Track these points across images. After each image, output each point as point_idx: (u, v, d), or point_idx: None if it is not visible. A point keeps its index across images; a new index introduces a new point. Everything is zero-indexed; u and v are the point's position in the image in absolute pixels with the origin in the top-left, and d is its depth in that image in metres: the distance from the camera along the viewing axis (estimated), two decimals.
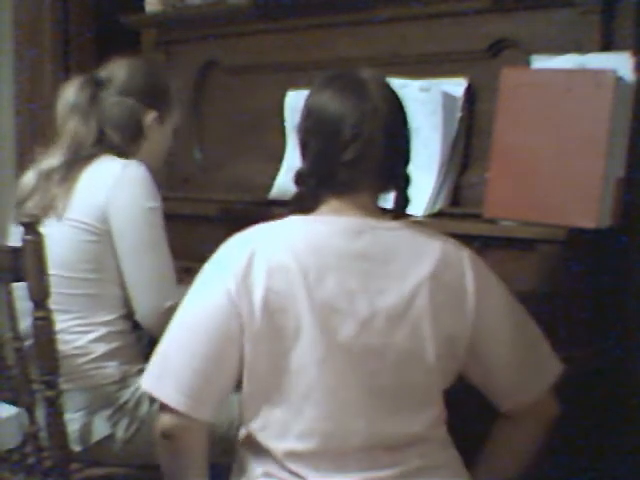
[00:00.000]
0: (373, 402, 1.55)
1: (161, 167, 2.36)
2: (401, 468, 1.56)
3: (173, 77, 2.39)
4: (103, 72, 2.22)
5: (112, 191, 2.07)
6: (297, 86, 2.46)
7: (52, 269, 1.95)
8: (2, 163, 3.41)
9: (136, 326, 2.14)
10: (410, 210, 1.69)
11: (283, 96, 2.56)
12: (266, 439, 1.58)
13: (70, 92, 2.18)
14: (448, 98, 2.26)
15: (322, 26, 2.57)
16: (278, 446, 1.57)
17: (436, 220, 2.17)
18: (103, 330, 2.10)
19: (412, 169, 1.66)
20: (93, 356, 2.08)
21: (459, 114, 2.28)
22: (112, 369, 2.08)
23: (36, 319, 1.85)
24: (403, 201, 1.67)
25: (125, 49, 2.30)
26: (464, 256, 1.61)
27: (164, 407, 1.58)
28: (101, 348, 2.09)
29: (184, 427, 1.58)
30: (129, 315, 2.12)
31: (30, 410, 1.91)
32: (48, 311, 1.86)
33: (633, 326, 2.06)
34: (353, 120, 1.57)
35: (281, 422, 1.57)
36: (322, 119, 1.61)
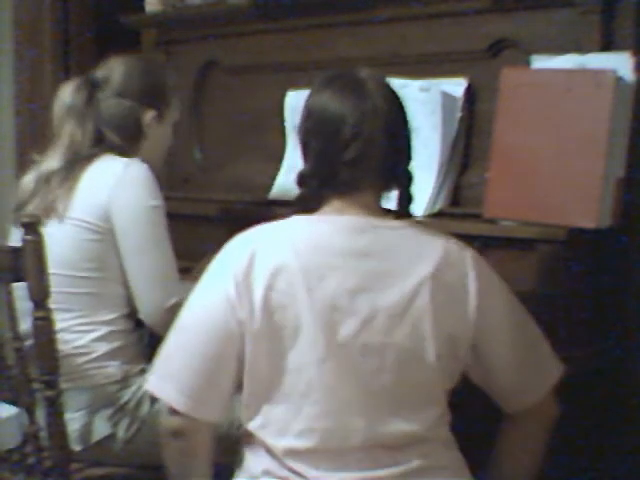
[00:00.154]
0: (373, 401, 1.56)
1: (163, 164, 2.35)
2: (402, 467, 1.56)
3: (171, 71, 2.38)
4: (100, 72, 2.22)
5: (114, 190, 2.07)
6: (297, 86, 2.46)
7: (54, 268, 1.96)
8: (2, 163, 3.41)
9: (137, 325, 2.15)
10: (412, 209, 1.70)
11: (283, 96, 2.56)
12: (266, 437, 1.59)
13: (66, 94, 2.18)
14: (448, 98, 2.26)
15: (322, 26, 2.57)
16: (278, 444, 1.58)
17: (436, 220, 2.17)
18: (105, 329, 2.10)
19: (412, 168, 1.67)
20: (95, 355, 2.08)
21: (459, 114, 2.28)
22: (113, 368, 2.08)
23: (36, 319, 1.85)
24: (406, 199, 1.67)
25: (125, 49, 2.29)
26: (467, 256, 1.61)
27: (169, 408, 1.60)
28: (103, 347, 2.09)
29: (189, 427, 1.59)
30: (131, 314, 2.13)
31: (30, 410, 1.91)
32: (48, 311, 1.86)
33: (633, 326, 2.06)
34: (353, 120, 1.58)
35: (281, 420, 1.57)
36: (322, 119, 1.61)
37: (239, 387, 1.60)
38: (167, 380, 1.59)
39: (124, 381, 2.09)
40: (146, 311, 2.08)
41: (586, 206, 1.91)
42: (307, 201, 1.65)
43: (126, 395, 2.08)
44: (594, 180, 1.91)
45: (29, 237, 1.83)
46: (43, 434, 1.91)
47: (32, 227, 1.84)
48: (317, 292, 1.54)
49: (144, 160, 2.15)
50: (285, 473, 1.58)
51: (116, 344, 2.10)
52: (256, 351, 1.56)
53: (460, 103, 2.28)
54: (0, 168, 3.40)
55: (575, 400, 1.83)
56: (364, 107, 1.58)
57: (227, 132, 2.81)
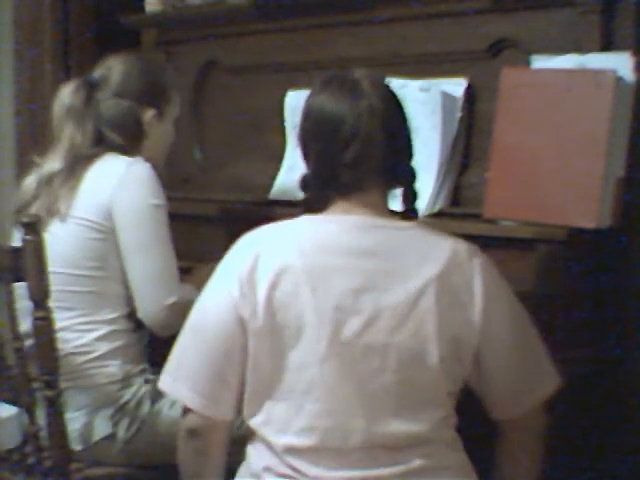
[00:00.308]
0: (374, 401, 1.56)
1: (165, 161, 2.35)
2: (402, 467, 1.56)
3: (169, 68, 2.38)
4: (98, 72, 2.22)
5: (117, 189, 2.07)
6: (297, 86, 2.46)
7: (57, 267, 1.96)
8: (2, 163, 3.41)
9: (138, 326, 2.15)
10: (417, 205, 1.70)
11: (283, 96, 2.56)
12: (268, 434, 1.59)
13: (65, 95, 2.18)
14: (448, 98, 2.26)
15: (322, 26, 2.57)
16: (279, 441, 1.58)
17: (436, 220, 2.16)
18: (106, 328, 2.10)
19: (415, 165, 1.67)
20: (96, 354, 2.08)
21: (459, 114, 2.28)
22: (114, 368, 2.09)
23: (36, 319, 1.85)
24: (411, 196, 1.68)
25: (125, 49, 2.29)
26: (475, 259, 1.60)
27: (185, 407, 1.63)
28: (104, 347, 2.09)
29: (206, 426, 1.62)
30: (132, 314, 2.13)
31: (30, 410, 1.92)
32: (48, 311, 1.86)
33: (633, 326, 2.06)
34: (351, 120, 1.58)
35: (282, 418, 1.58)
36: (320, 120, 1.62)
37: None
38: (181, 380, 1.62)
39: (125, 381, 2.09)
40: (145, 310, 2.08)
41: (586, 206, 1.91)
42: (312, 204, 1.66)
43: (126, 395, 2.08)
44: (594, 180, 1.91)
45: (29, 237, 1.83)
46: (43, 434, 1.91)
47: (32, 227, 1.84)
48: (321, 292, 1.55)
49: (146, 159, 2.16)
50: (286, 470, 1.58)
51: (117, 344, 2.10)
52: (259, 349, 1.57)
53: (460, 103, 2.28)
54: (0, 168, 3.40)
55: (575, 400, 1.83)
56: (360, 107, 1.59)
57: (227, 132, 2.81)
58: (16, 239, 2.10)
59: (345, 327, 1.54)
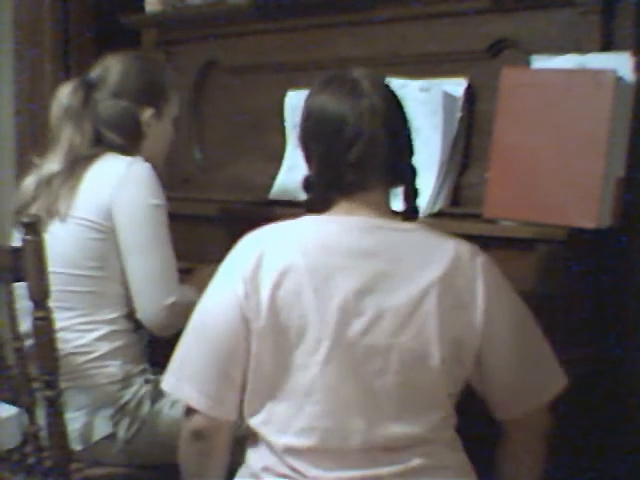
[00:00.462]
0: (374, 402, 1.55)
1: (165, 161, 2.35)
2: (401, 466, 1.56)
3: (167, 67, 2.37)
4: (96, 72, 2.21)
5: (117, 189, 2.07)
6: (297, 86, 2.46)
7: (57, 267, 1.96)
8: (2, 163, 3.41)
9: (138, 326, 2.15)
10: (418, 203, 1.70)
11: (283, 96, 2.56)
12: (268, 434, 1.59)
13: (63, 96, 2.18)
14: (448, 98, 2.26)
15: (322, 26, 2.57)
16: (279, 441, 1.58)
17: (436, 220, 2.17)
18: (106, 329, 2.10)
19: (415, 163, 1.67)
20: (96, 355, 2.08)
21: (459, 114, 2.28)
22: (115, 368, 2.09)
23: (36, 319, 1.85)
24: (412, 194, 1.68)
25: (125, 49, 2.29)
26: (478, 261, 1.59)
27: (189, 408, 1.62)
28: (104, 347, 2.09)
29: (210, 427, 1.61)
30: (132, 314, 2.13)
31: (30, 410, 1.92)
32: (48, 311, 1.86)
33: (633, 326, 2.06)
34: (353, 120, 1.58)
35: (283, 418, 1.58)
36: (322, 121, 1.62)
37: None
38: (185, 381, 1.61)
39: (125, 381, 2.09)
40: (144, 310, 2.08)
41: (586, 206, 1.91)
42: (315, 205, 1.65)
43: (127, 395, 2.08)
44: (594, 180, 1.91)
45: (29, 237, 1.83)
46: (43, 434, 1.91)
47: (32, 227, 1.84)
48: (324, 292, 1.55)
49: (146, 158, 2.16)
50: (285, 470, 1.58)
51: (117, 344, 2.11)
52: (261, 348, 1.57)
53: (460, 103, 2.28)
54: (0, 168, 3.40)
55: (575, 400, 1.82)
56: (362, 107, 1.59)
57: (227, 132, 2.81)
58: (16, 239, 2.10)
59: (348, 328, 1.54)
